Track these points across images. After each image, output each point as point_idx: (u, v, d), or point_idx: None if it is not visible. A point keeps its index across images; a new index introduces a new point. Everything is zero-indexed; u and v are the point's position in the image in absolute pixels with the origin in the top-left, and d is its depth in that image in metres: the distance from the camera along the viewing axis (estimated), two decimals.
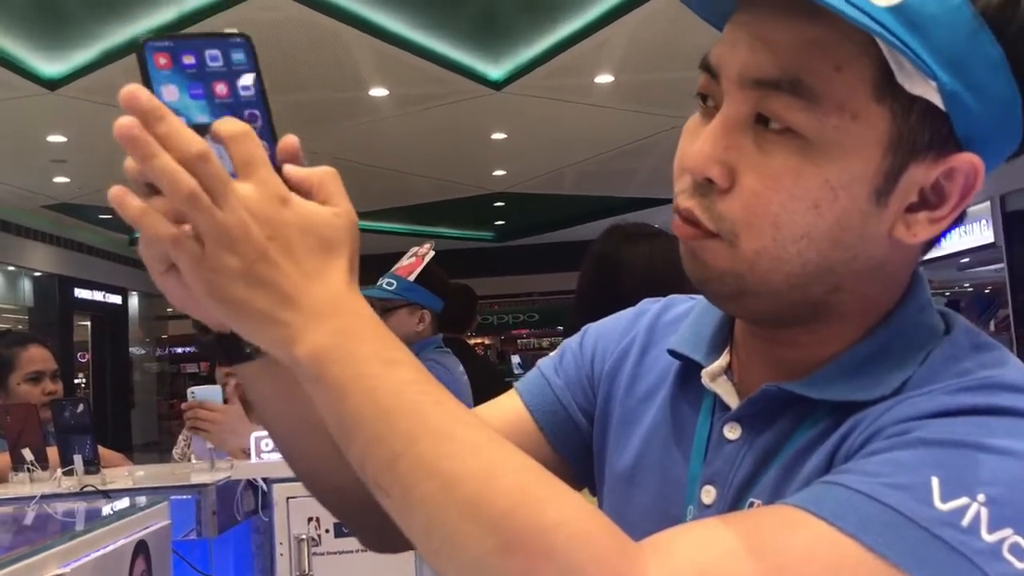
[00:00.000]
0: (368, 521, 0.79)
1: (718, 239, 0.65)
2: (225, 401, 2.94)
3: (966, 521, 0.54)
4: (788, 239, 0.63)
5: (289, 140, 0.61)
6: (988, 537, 0.53)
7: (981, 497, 0.54)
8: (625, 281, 1.94)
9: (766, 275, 0.65)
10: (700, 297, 0.84)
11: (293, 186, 0.59)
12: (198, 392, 2.82)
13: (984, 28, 0.59)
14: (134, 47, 0.60)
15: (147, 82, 0.59)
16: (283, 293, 0.56)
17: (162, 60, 0.59)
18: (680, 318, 0.84)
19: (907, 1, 0.58)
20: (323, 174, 0.60)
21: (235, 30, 0.62)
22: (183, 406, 2.71)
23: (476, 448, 0.55)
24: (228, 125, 0.57)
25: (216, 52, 0.61)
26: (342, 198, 0.60)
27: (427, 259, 2.82)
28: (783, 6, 0.61)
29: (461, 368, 2.88)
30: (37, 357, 3.03)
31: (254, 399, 0.76)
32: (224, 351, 0.70)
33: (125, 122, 0.55)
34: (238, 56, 0.61)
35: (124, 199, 0.56)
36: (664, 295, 0.94)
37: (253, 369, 0.71)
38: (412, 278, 2.79)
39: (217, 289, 0.56)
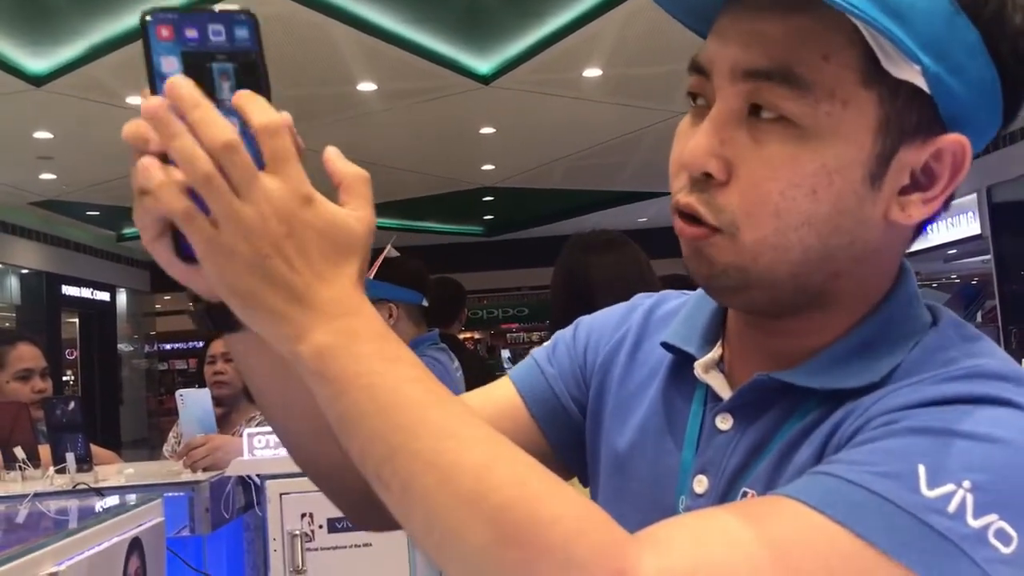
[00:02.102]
0: (357, 498, 0.80)
1: (720, 234, 0.66)
2: (215, 401, 2.94)
3: (952, 507, 0.55)
4: (789, 227, 0.64)
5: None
6: (974, 523, 0.54)
7: (967, 484, 0.55)
8: (597, 295, 1.95)
9: (770, 265, 0.66)
10: (692, 293, 0.85)
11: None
12: (186, 394, 2.82)
13: (960, 14, 0.62)
14: (140, 19, 0.59)
15: (148, 54, 0.59)
16: (292, 290, 0.57)
17: (164, 32, 0.60)
18: (673, 313, 0.85)
19: None
20: (355, 176, 0.61)
21: (239, 7, 0.61)
22: (183, 448, 2.69)
23: (474, 443, 0.55)
24: (263, 116, 0.57)
25: (220, 27, 0.61)
26: (366, 203, 0.61)
27: (383, 255, 2.77)
28: (772, 2, 0.63)
29: (456, 364, 2.88)
30: (26, 355, 3.02)
31: (245, 372, 0.76)
32: (213, 321, 0.70)
33: (153, 102, 0.56)
34: (241, 33, 0.61)
35: (151, 168, 0.57)
36: None
37: (243, 340, 0.71)
38: (372, 275, 2.77)
39: (227, 275, 0.57)
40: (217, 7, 0.61)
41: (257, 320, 0.58)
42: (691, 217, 0.68)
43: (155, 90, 0.59)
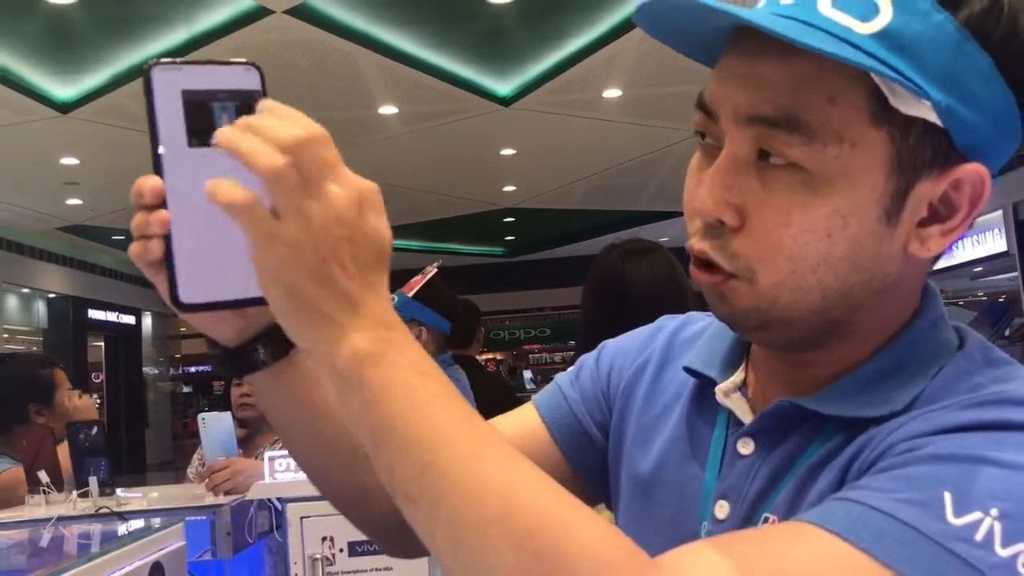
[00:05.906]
0: (384, 526, 0.81)
1: (736, 279, 0.66)
2: (237, 421, 2.96)
3: (980, 536, 0.53)
4: (806, 269, 0.64)
5: None
6: (1002, 551, 0.53)
7: (994, 512, 0.54)
8: (629, 299, 1.96)
9: (789, 306, 0.65)
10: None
11: None
12: (208, 418, 2.83)
13: (969, 39, 0.60)
14: (140, 71, 0.60)
15: (151, 106, 0.59)
16: (348, 297, 0.57)
17: (167, 82, 0.60)
18: (697, 335, 0.84)
19: (890, 26, 0.59)
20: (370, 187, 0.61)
21: (244, 59, 0.62)
22: (206, 472, 2.71)
23: (502, 465, 0.55)
24: (303, 129, 0.57)
25: (223, 77, 0.61)
26: (384, 215, 0.61)
27: (428, 277, 2.83)
28: (772, 43, 0.62)
29: (467, 383, 2.92)
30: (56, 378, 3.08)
31: (266, 410, 0.77)
32: (233, 364, 0.71)
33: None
34: (247, 81, 0.62)
35: (234, 137, 0.56)
36: (668, 308, 0.94)
37: (263, 380, 0.72)
38: (412, 294, 2.82)
39: (284, 273, 0.56)
40: (220, 60, 0.62)
41: (299, 320, 0.58)
42: (706, 263, 0.67)
43: (155, 139, 0.59)
